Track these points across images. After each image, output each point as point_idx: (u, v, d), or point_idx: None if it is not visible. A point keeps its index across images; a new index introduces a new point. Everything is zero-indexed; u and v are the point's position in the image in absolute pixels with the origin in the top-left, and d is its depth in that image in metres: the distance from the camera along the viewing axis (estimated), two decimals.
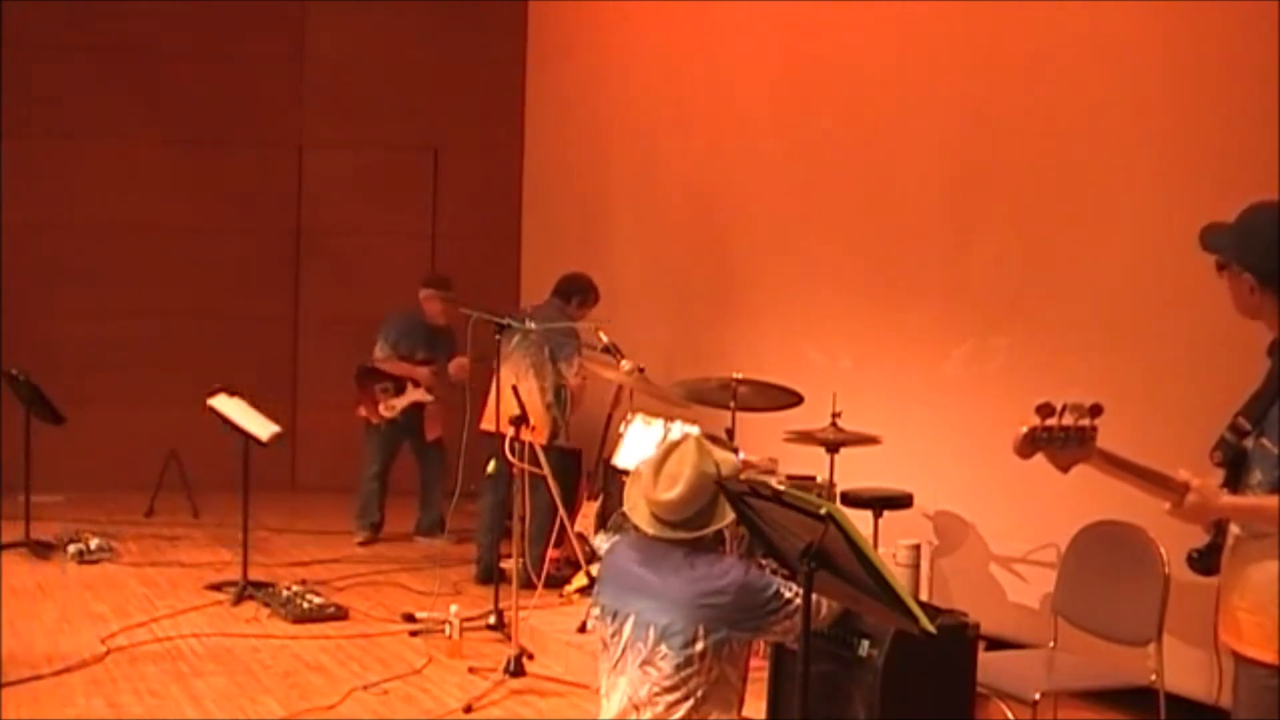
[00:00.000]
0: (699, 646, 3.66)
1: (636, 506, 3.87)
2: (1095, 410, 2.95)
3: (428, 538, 8.85)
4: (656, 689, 3.71)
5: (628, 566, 3.87)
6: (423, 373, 8.70)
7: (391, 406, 8.73)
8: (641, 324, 8.68)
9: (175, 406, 9.70)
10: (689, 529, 3.76)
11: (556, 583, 7.24)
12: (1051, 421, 2.93)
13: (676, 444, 3.84)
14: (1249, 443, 3.12)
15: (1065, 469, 3.02)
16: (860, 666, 4.31)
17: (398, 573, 8.02)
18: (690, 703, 3.69)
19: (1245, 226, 3.14)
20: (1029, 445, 2.95)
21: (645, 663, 3.73)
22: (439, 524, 8.79)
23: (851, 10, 7.20)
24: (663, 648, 3.70)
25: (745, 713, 5.20)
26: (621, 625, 3.82)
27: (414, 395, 8.72)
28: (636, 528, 3.87)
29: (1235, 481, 3.12)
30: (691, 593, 3.69)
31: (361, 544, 8.85)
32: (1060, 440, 2.94)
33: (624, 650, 3.80)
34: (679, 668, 3.67)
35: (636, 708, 3.76)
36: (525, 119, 11.02)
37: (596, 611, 3.96)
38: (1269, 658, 3.06)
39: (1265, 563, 3.07)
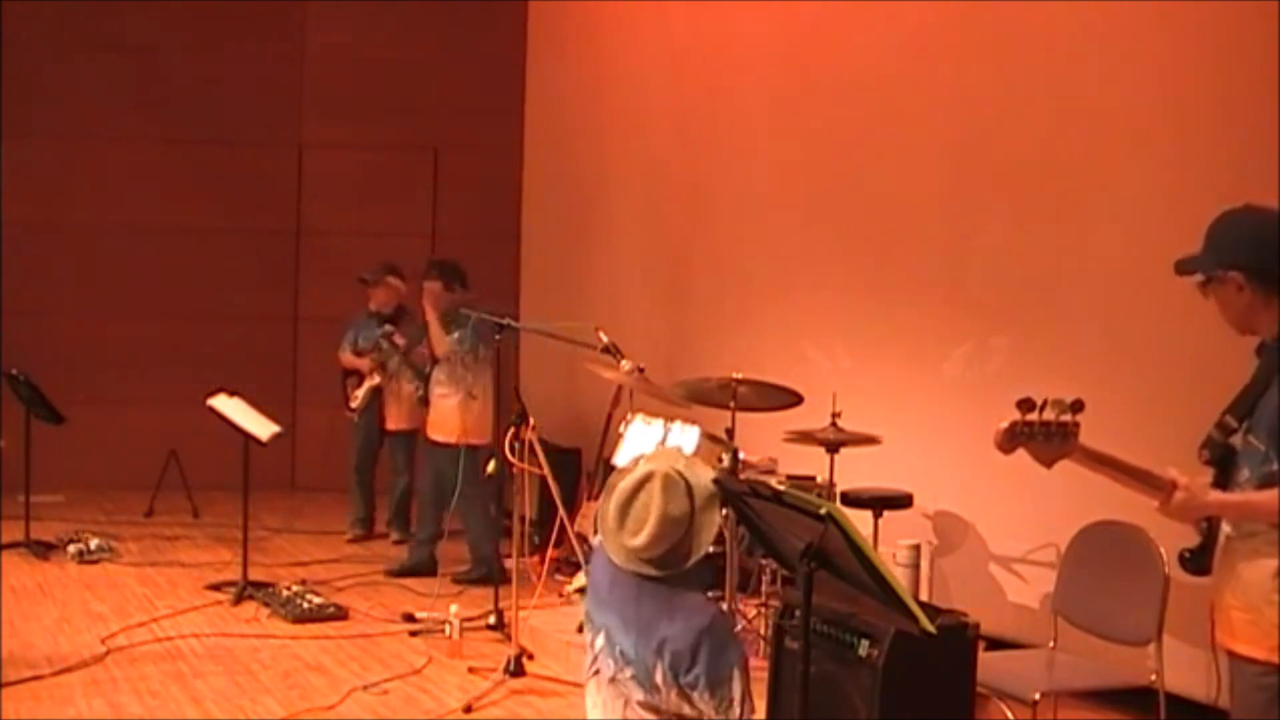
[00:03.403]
0: (658, 678, 3.48)
1: (608, 541, 3.64)
2: (1077, 406, 2.97)
3: (390, 534, 8.99)
4: (633, 703, 3.59)
5: (603, 578, 3.71)
6: (362, 361, 8.84)
7: (355, 396, 8.91)
8: (641, 324, 8.68)
9: (175, 406, 9.72)
10: (663, 568, 3.52)
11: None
12: (1033, 417, 2.95)
13: (642, 483, 3.57)
14: (1237, 440, 3.12)
15: (1049, 464, 3.04)
16: (860, 666, 4.31)
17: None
18: None
19: (1222, 232, 3.19)
20: (1010, 440, 2.97)
21: (613, 680, 3.63)
22: (394, 520, 8.96)
23: (851, 10, 7.20)
24: (628, 670, 3.57)
25: None
26: (595, 638, 3.72)
27: (367, 382, 8.86)
28: None
29: (1225, 479, 3.14)
30: (648, 626, 3.51)
31: (350, 541, 8.90)
32: (1042, 436, 2.96)
33: (596, 658, 3.70)
34: (644, 691, 3.54)
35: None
36: (525, 119, 11.02)
37: (584, 615, 3.90)
38: (1261, 655, 3.07)
39: (1256, 561, 3.08)
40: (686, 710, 3.52)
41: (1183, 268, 3.24)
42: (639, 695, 3.55)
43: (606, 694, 3.67)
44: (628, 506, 3.56)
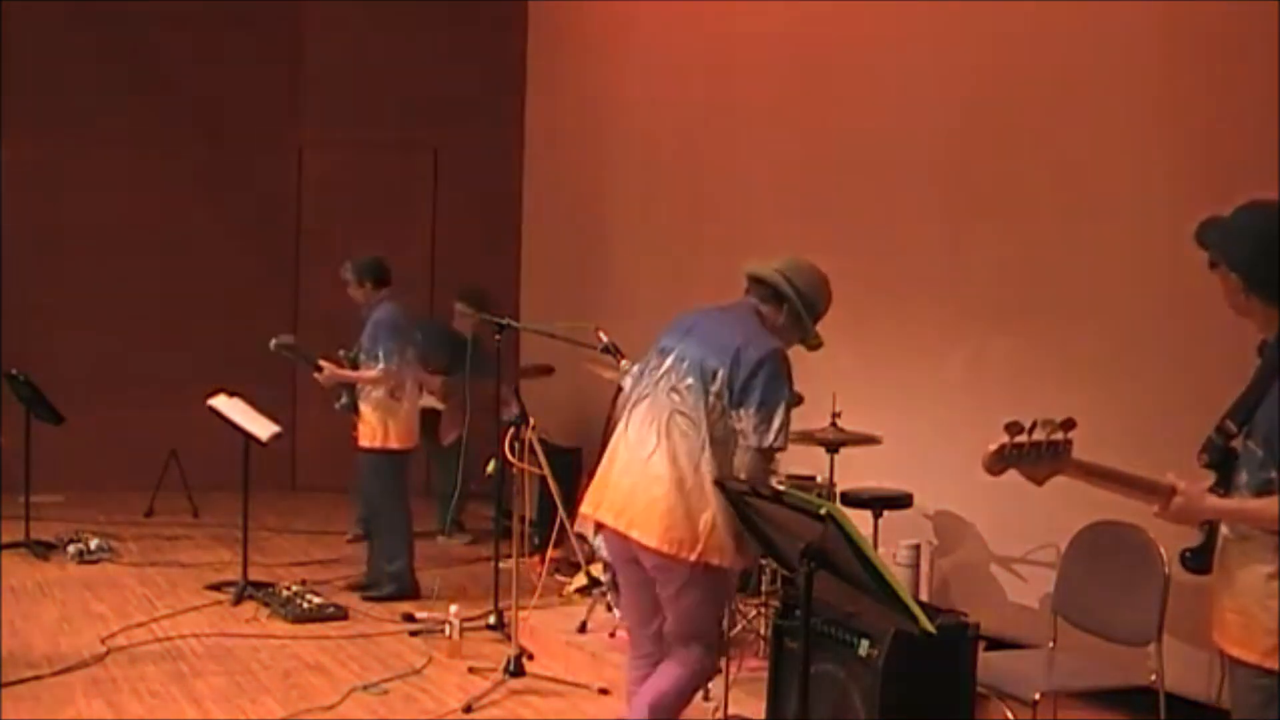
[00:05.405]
0: (715, 384, 4.11)
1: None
2: (1068, 425, 2.96)
3: (446, 537, 8.96)
4: (678, 413, 4.15)
5: (693, 317, 4.39)
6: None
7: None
8: (641, 324, 8.65)
9: (175, 406, 9.70)
10: (786, 281, 4.40)
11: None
12: (1021, 439, 2.93)
13: None
14: (1237, 444, 3.12)
15: (1040, 482, 3.03)
16: (860, 666, 4.31)
17: None
18: (698, 434, 4.09)
19: (1235, 227, 3.14)
20: (998, 462, 2.95)
21: (673, 389, 4.19)
22: (453, 523, 8.95)
23: (851, 11, 7.20)
24: (690, 379, 4.16)
25: (745, 712, 5.22)
26: (664, 360, 4.28)
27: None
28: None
29: (1225, 483, 3.13)
30: (728, 343, 4.16)
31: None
32: (1031, 457, 2.95)
33: (659, 380, 4.25)
34: (698, 397, 4.12)
35: (657, 430, 4.17)
36: (525, 119, 11.02)
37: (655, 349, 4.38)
38: (1252, 658, 3.07)
39: (1249, 565, 3.08)
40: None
41: (1201, 238, 3.16)
42: (690, 399, 4.13)
43: (659, 399, 4.22)
44: None
